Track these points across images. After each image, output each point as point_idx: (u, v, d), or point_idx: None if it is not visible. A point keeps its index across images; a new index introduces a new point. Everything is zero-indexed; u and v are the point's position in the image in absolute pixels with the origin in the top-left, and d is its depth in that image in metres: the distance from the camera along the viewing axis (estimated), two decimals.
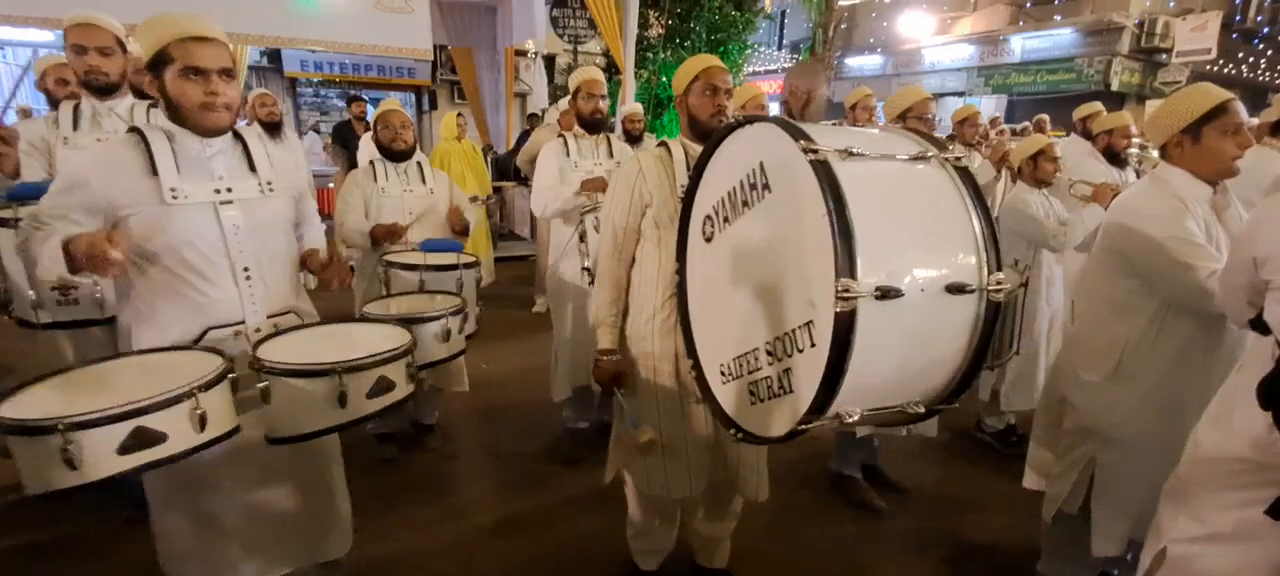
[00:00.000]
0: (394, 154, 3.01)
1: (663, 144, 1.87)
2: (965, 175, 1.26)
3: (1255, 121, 4.17)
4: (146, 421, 1.23)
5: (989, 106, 15.61)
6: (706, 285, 1.61)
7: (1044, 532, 2.25)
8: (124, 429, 1.21)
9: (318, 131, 10.46)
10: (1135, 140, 4.11)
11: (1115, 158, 3.69)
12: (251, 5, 5.43)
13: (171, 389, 1.27)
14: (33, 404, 1.27)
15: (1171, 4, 14.06)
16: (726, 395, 1.53)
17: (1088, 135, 4.37)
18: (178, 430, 1.28)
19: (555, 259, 3.14)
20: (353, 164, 6.40)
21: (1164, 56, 13.99)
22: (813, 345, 1.18)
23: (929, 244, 1.20)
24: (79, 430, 1.17)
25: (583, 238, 2.95)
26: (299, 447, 1.57)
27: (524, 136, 7.75)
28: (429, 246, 2.48)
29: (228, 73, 1.57)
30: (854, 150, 1.19)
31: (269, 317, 1.72)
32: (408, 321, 1.84)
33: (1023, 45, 15.52)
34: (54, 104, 2.83)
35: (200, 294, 1.61)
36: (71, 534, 2.49)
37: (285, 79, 11.14)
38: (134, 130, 1.58)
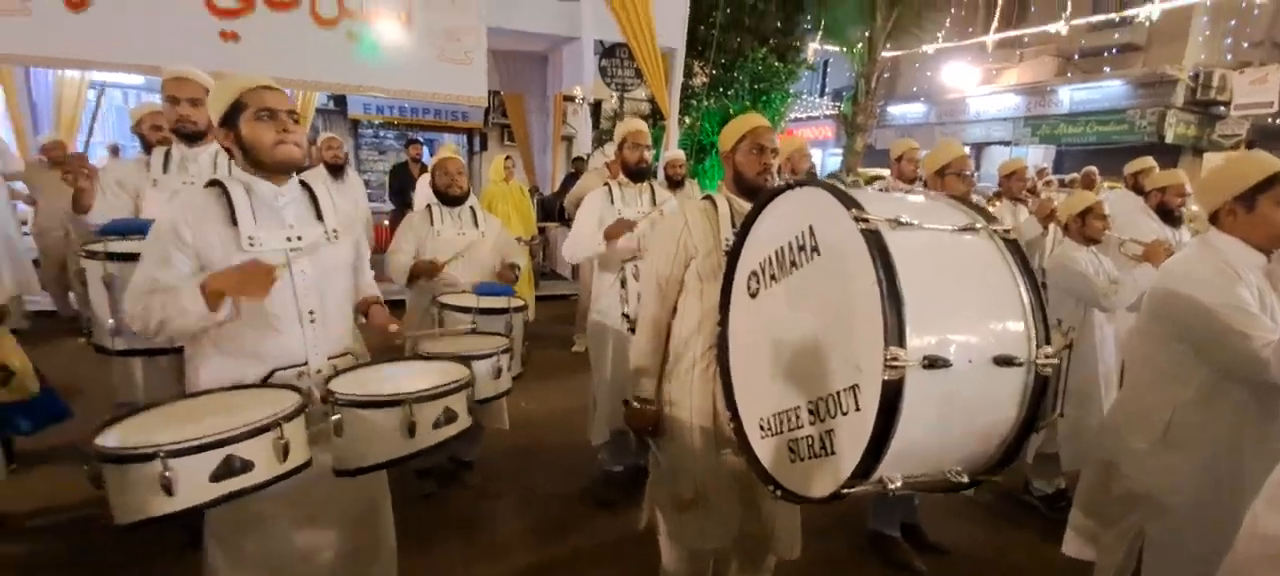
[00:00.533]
0: (450, 198, 3.17)
1: (708, 197, 1.93)
2: (1013, 246, 1.28)
3: None
4: (237, 449, 1.32)
5: (1036, 156, 15.33)
6: (749, 340, 1.64)
7: None
8: (217, 456, 1.30)
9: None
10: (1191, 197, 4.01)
11: (1169, 215, 3.62)
12: (323, 55, 5.84)
13: (259, 419, 1.36)
14: (125, 437, 1.35)
15: (1228, 57, 13.68)
16: (765, 451, 1.54)
17: (1139, 190, 4.29)
18: (263, 459, 1.36)
19: (596, 303, 3.22)
20: (407, 204, 6.70)
21: (1222, 109, 13.57)
22: (857, 409, 1.19)
23: (978, 315, 1.22)
24: (177, 457, 1.25)
25: (623, 283, 3.02)
26: (352, 478, 1.64)
27: (569, 178, 7.98)
28: (483, 289, 2.59)
29: (294, 115, 1.72)
30: (903, 220, 1.22)
31: (330, 359, 1.81)
32: (464, 358, 1.92)
33: (1071, 96, 15.26)
34: (147, 147, 3.10)
35: (267, 335, 1.71)
36: (117, 560, 2.59)
37: (349, 121, 11.79)
38: (215, 182, 1.71)
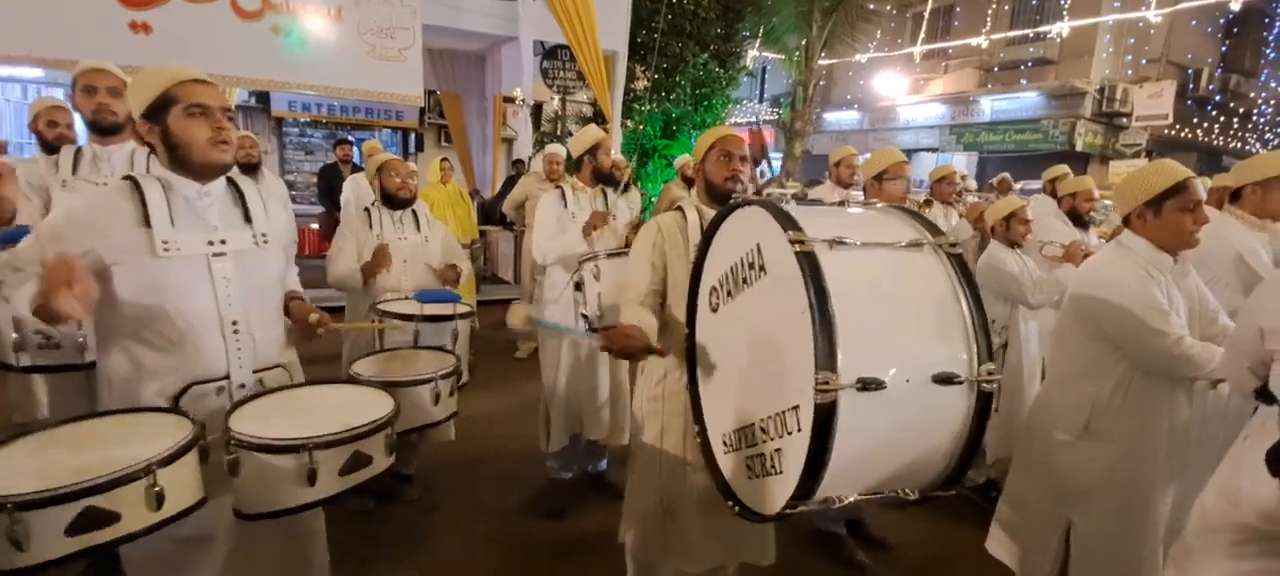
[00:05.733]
0: (399, 202, 3.04)
1: (679, 208, 1.93)
2: (958, 262, 1.26)
3: (1210, 183, 4.40)
4: (97, 501, 1.17)
5: (960, 163, 16.16)
6: (712, 354, 1.63)
7: None
8: (73, 509, 1.16)
9: None
10: (1105, 202, 4.29)
11: (1079, 219, 3.86)
12: (245, 49, 5.51)
13: (125, 466, 1.21)
14: None
15: (1129, 72, 14.83)
16: (728, 465, 1.52)
17: (1056, 196, 4.56)
18: (132, 509, 1.22)
19: (547, 307, 3.15)
20: (336, 206, 6.41)
21: (1125, 120, 14.69)
22: (800, 430, 1.17)
23: (916, 335, 1.20)
24: (27, 509, 1.12)
25: (579, 286, 2.96)
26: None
27: (510, 181, 7.84)
28: (424, 297, 2.47)
29: (228, 112, 1.60)
30: (845, 239, 1.20)
31: (255, 373, 1.68)
32: (396, 385, 1.80)
33: (991, 106, 16.18)
34: (44, 145, 2.84)
35: (185, 348, 1.57)
36: None
37: (272, 119, 11.20)
38: (128, 179, 1.56)
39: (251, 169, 4.99)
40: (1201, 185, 1.92)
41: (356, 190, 5.65)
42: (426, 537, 2.93)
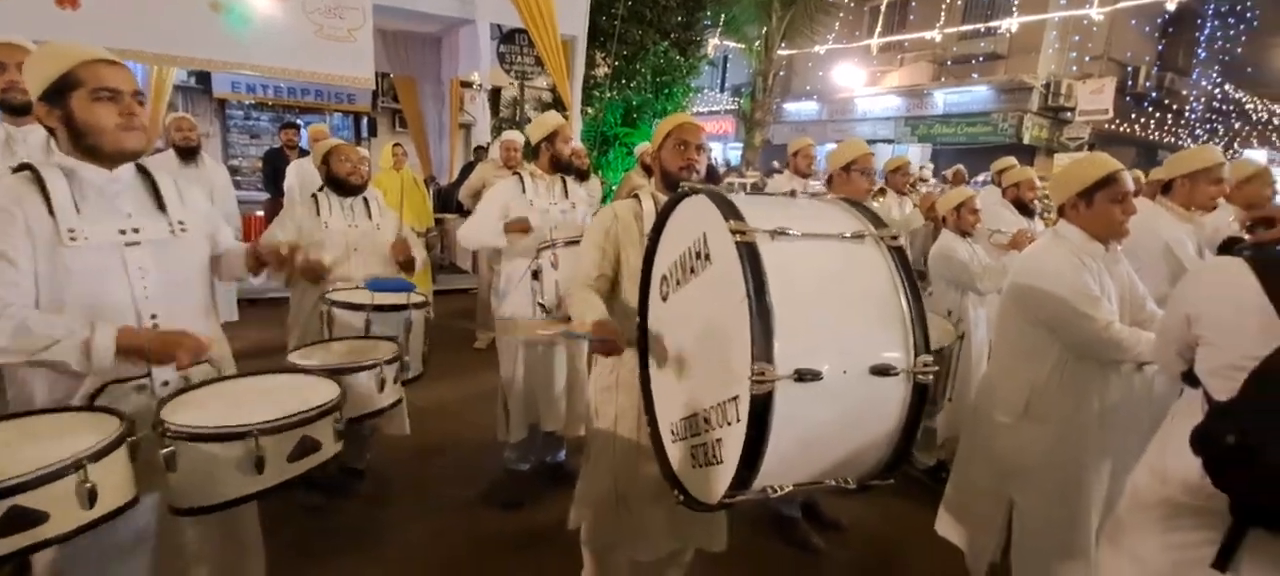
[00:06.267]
0: (350, 188, 2.93)
1: (636, 196, 1.92)
2: (898, 254, 1.26)
3: (1142, 178, 4.62)
4: (23, 500, 1.09)
5: (916, 154, 16.57)
6: (663, 343, 1.62)
7: None
8: None
9: None
10: (1045, 190, 4.47)
11: (1024, 207, 4.00)
12: (183, 26, 5.22)
13: (54, 462, 1.13)
14: None
15: (1073, 68, 15.41)
16: (675, 454, 1.53)
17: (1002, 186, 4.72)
18: (62, 508, 1.14)
19: (504, 296, 3.10)
20: (280, 192, 6.18)
21: (1069, 115, 15.27)
22: (739, 420, 1.17)
23: (854, 326, 1.20)
24: None
25: (536, 275, 2.91)
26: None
27: (467, 167, 7.68)
28: (376, 286, 2.39)
29: (139, 96, 1.51)
30: (787, 230, 1.20)
31: (179, 370, 1.58)
32: (336, 372, 1.75)
33: (945, 99, 16.61)
34: None
35: None
36: None
37: (214, 101, 10.72)
38: (26, 167, 1.46)
39: (190, 153, 4.76)
40: (1130, 177, 2.00)
41: (301, 176, 5.43)
42: (383, 531, 2.86)
